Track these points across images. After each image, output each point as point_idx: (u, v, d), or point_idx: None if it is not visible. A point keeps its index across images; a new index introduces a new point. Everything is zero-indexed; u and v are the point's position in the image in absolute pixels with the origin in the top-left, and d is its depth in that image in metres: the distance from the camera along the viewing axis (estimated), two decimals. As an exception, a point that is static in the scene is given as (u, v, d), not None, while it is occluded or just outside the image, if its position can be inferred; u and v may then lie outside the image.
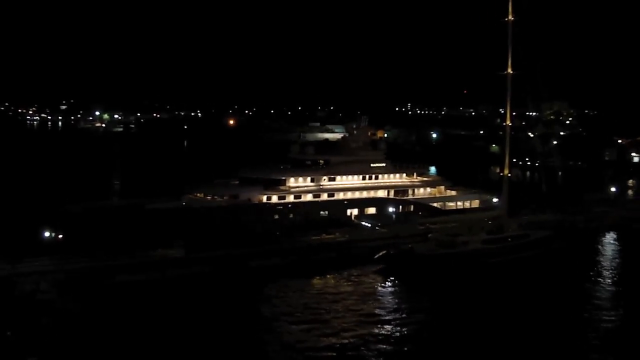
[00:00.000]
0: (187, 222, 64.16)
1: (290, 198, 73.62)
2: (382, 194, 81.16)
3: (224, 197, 70.70)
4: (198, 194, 72.12)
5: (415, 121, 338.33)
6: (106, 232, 58.81)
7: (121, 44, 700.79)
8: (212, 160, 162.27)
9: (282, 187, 73.51)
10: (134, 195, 70.31)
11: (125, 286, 53.26)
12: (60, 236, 57.55)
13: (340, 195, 77.61)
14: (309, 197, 75.15)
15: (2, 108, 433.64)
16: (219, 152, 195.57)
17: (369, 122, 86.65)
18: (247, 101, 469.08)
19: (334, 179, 78.17)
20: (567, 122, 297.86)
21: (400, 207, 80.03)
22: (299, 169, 77.17)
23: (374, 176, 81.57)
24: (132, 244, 57.63)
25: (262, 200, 71.91)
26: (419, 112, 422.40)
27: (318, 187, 76.08)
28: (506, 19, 67.33)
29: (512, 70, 68.53)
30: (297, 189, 74.58)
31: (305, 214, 72.60)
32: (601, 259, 69.54)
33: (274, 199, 72.72)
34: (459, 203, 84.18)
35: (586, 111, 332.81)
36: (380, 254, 63.52)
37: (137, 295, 51.43)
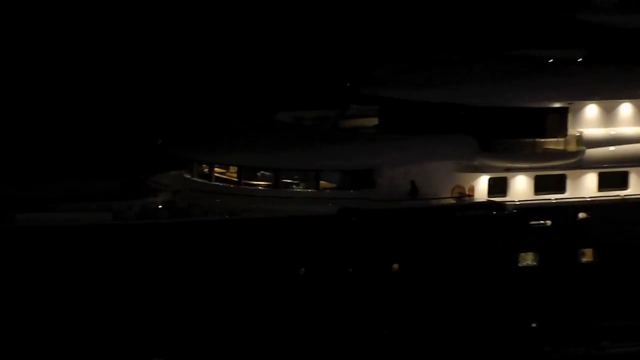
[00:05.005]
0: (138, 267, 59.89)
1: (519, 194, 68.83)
2: None
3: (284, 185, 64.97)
4: (169, 181, 67.72)
5: None
6: None
7: None
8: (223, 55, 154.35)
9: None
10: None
11: None
12: None
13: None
14: (592, 189, 69.92)
15: None
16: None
17: None
18: None
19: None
20: None
21: None
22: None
23: None
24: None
25: (451, 193, 67.95)
26: None
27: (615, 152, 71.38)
28: None
29: None
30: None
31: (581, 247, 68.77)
32: None
33: (480, 189, 67.92)
34: None
35: None
36: None
37: None
